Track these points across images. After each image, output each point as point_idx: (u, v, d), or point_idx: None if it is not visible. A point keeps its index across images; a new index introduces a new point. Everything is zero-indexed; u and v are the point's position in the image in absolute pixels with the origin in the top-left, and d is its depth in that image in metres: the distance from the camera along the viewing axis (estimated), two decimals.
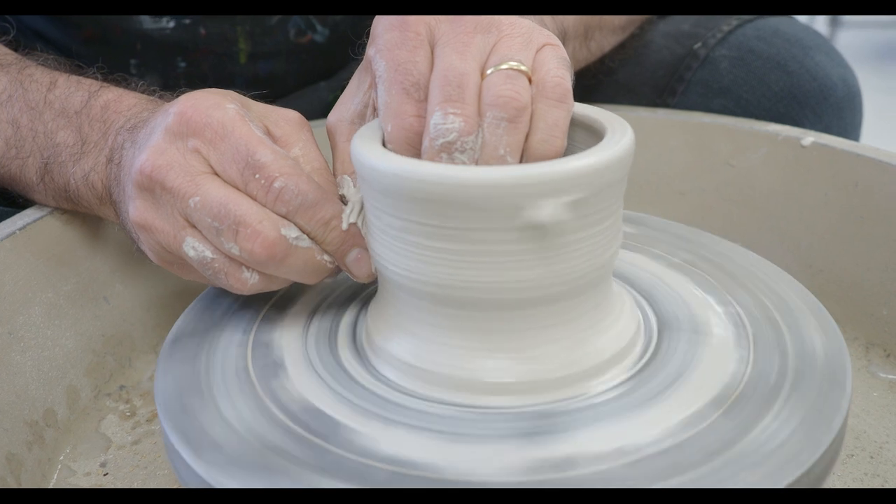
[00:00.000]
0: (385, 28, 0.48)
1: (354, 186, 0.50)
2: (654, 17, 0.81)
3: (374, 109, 0.51)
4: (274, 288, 0.50)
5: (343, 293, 0.56)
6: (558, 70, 0.46)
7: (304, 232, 0.48)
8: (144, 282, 0.67)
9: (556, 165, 0.43)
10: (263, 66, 0.82)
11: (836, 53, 0.77)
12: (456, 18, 0.47)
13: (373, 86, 0.51)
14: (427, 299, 0.46)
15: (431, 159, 0.44)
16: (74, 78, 0.63)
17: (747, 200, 0.71)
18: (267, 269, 0.48)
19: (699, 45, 0.76)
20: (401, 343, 0.48)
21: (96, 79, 0.63)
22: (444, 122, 0.44)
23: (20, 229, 0.60)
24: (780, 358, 0.47)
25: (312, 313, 0.54)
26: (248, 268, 0.48)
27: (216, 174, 0.48)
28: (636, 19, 0.79)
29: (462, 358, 0.47)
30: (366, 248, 0.49)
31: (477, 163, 0.45)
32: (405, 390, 0.47)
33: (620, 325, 0.49)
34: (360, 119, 0.52)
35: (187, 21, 0.77)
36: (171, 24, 0.77)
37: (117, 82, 0.63)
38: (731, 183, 0.72)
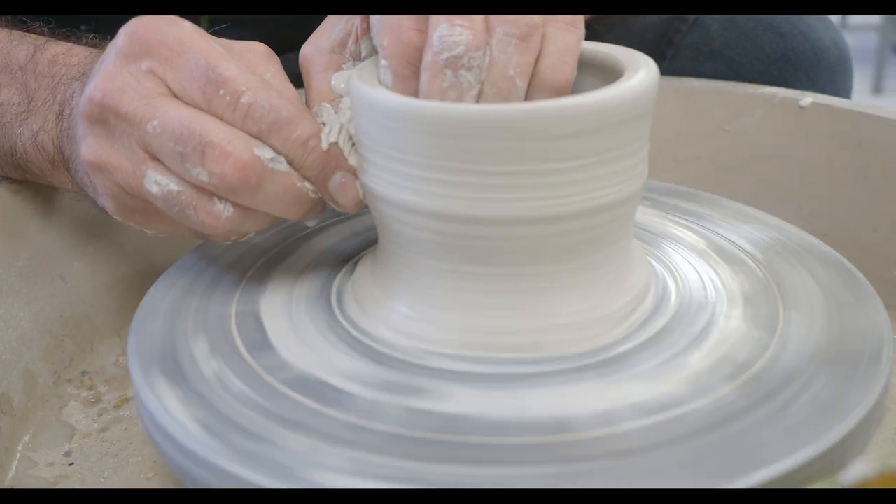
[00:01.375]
0: None
1: (335, 112, 0.46)
2: None
3: (357, 37, 0.47)
4: (251, 228, 0.45)
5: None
6: None
7: (279, 153, 0.43)
8: (106, 260, 0.61)
9: (585, 98, 0.39)
10: (228, 35, 0.76)
11: (825, 17, 0.75)
12: None
13: None
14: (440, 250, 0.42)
15: (434, 76, 0.40)
16: (17, 32, 0.57)
17: (745, 166, 0.68)
18: (242, 198, 0.43)
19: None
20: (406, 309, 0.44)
21: (42, 33, 0.57)
22: (450, 33, 0.40)
23: None
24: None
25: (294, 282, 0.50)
26: (219, 198, 0.43)
27: (175, 96, 0.43)
28: None
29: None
30: (351, 171, 0.44)
31: (482, 83, 0.41)
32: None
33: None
34: (341, 48, 0.48)
35: None
36: None
37: (66, 37, 0.57)
38: (728, 148, 0.69)
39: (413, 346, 0.43)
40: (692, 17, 0.72)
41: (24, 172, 0.55)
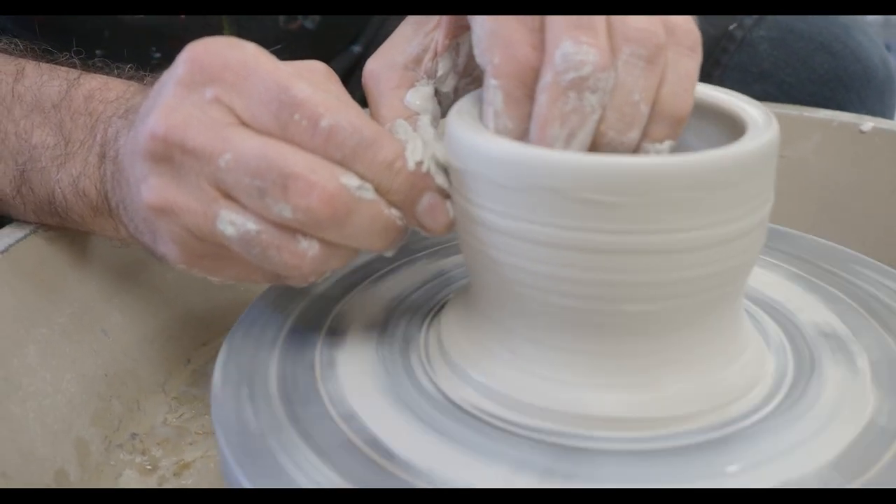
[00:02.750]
0: None
1: (414, 130, 0.42)
2: None
3: (436, 54, 0.45)
4: (335, 265, 0.41)
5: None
6: (687, 18, 0.40)
7: (365, 179, 0.39)
8: (146, 308, 0.57)
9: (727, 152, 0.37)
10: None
11: (870, 32, 0.73)
12: None
13: (438, 26, 0.45)
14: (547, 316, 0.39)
15: (555, 99, 0.37)
16: (46, 65, 0.53)
17: (803, 193, 0.67)
18: (328, 233, 0.39)
19: (734, 25, 0.71)
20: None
21: (73, 65, 0.53)
22: (576, 51, 0.36)
23: (1, 252, 0.49)
24: None
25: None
26: (304, 235, 0.39)
27: (246, 124, 0.39)
28: None
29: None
30: (438, 192, 0.40)
31: (605, 108, 0.38)
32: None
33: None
34: (416, 64, 0.45)
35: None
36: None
37: (97, 68, 0.53)
38: (785, 175, 0.66)
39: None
40: (739, 36, 0.70)
41: (62, 220, 0.51)
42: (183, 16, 0.67)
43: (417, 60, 0.46)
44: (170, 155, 0.39)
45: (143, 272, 0.57)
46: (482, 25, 0.39)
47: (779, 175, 0.69)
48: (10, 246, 0.50)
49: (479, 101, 0.42)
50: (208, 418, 0.54)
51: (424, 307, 0.49)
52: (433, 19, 0.46)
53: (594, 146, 0.39)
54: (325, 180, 0.37)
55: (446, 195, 0.41)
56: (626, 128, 0.38)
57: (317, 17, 0.73)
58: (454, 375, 0.43)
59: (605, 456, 0.37)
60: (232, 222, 0.39)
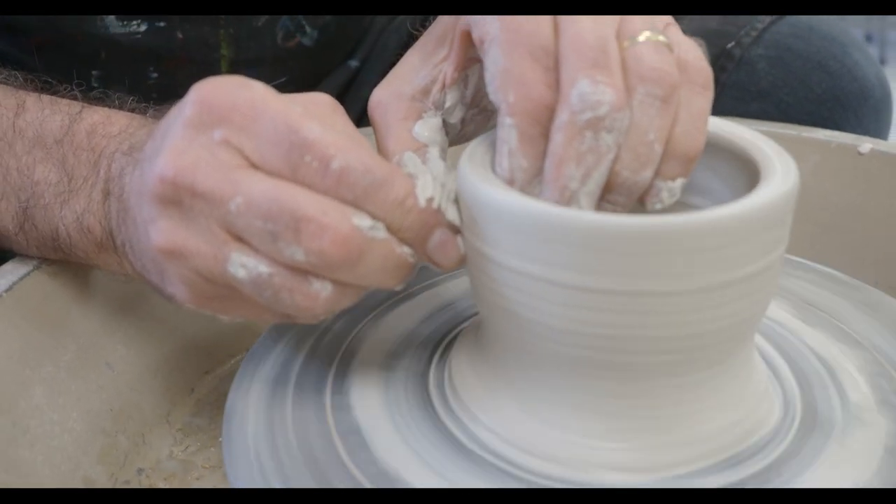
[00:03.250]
0: None
1: (424, 163, 0.43)
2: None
3: (444, 86, 0.45)
4: (346, 304, 0.41)
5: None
6: (698, 51, 0.41)
7: (377, 219, 0.39)
8: (148, 340, 0.57)
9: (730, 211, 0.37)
10: (246, 75, 0.71)
11: (867, 49, 0.73)
12: None
13: (447, 59, 0.45)
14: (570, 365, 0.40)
15: (571, 138, 0.37)
16: (47, 98, 0.52)
17: (802, 214, 0.65)
18: (341, 274, 0.39)
19: (732, 44, 0.71)
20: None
21: (74, 97, 0.52)
22: (593, 91, 0.37)
23: (6, 290, 0.49)
24: None
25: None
26: (316, 277, 0.39)
27: (255, 166, 0.38)
28: None
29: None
30: (449, 227, 0.40)
31: (620, 147, 0.38)
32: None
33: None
34: (423, 96, 0.45)
35: (162, 24, 0.66)
36: (143, 28, 0.66)
37: (97, 100, 0.52)
38: None
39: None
40: (737, 55, 0.70)
41: (66, 255, 0.50)
42: (180, 35, 0.67)
43: (425, 92, 0.46)
44: (179, 198, 0.39)
45: (145, 303, 0.56)
46: (495, 63, 0.39)
47: None
48: (14, 284, 0.49)
49: (491, 146, 0.42)
50: (213, 450, 0.55)
51: (433, 341, 0.49)
52: (442, 51, 0.46)
53: (608, 185, 0.39)
54: (338, 222, 0.37)
55: (457, 230, 0.41)
56: (640, 167, 0.39)
57: (314, 34, 0.72)
58: (465, 419, 0.43)
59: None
60: (243, 265, 0.38)
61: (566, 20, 0.39)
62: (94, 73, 0.67)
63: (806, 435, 0.42)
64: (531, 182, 0.40)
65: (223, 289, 0.41)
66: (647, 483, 0.39)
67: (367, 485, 0.39)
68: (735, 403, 0.41)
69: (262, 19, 0.69)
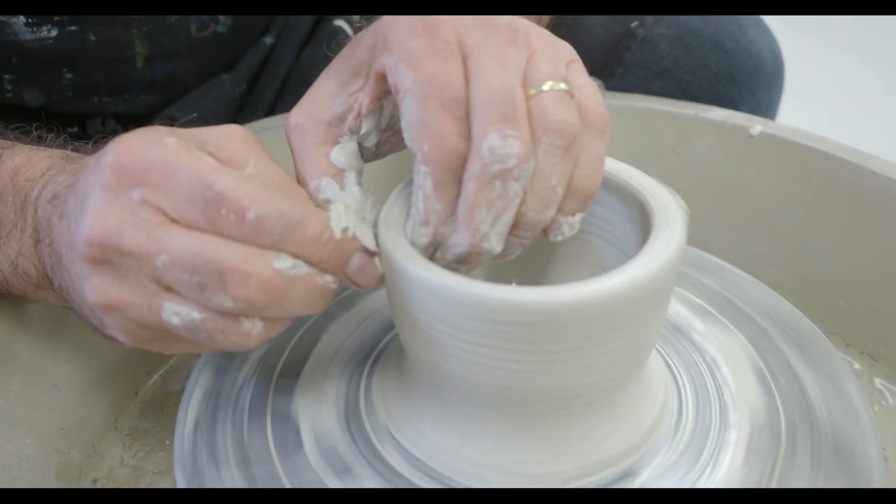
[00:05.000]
0: (406, 33, 0.42)
1: (341, 189, 0.45)
2: None
3: (358, 114, 0.47)
4: (278, 331, 0.44)
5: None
6: (597, 95, 0.44)
7: (297, 257, 0.41)
8: (90, 353, 0.60)
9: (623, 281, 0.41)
10: (161, 68, 0.72)
11: (763, 24, 0.77)
12: (487, 24, 0.43)
13: (362, 89, 0.47)
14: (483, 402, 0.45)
15: (482, 187, 0.41)
16: None
17: (696, 189, 0.72)
18: (269, 313, 0.42)
19: (636, 23, 0.73)
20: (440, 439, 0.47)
21: None
22: (503, 145, 0.40)
23: None
24: None
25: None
26: (246, 317, 0.42)
27: (176, 221, 0.41)
28: None
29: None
30: (364, 250, 0.43)
31: (525, 192, 0.42)
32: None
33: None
34: (339, 122, 0.47)
35: (73, 28, 0.66)
36: (54, 33, 0.66)
37: (17, 138, 0.53)
38: (679, 171, 0.72)
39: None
40: (641, 34, 0.73)
41: (1, 294, 0.52)
42: (93, 37, 0.67)
43: (341, 118, 0.47)
44: (108, 258, 0.41)
45: (79, 319, 0.59)
46: (410, 113, 0.42)
47: (675, 171, 0.75)
48: None
49: (405, 202, 0.46)
50: (162, 454, 0.59)
51: (360, 356, 0.54)
52: (358, 81, 0.47)
53: (515, 224, 0.43)
54: (260, 269, 0.40)
55: (373, 253, 0.44)
56: (544, 208, 0.43)
57: (228, 21, 0.73)
58: (390, 445, 0.48)
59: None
60: (176, 313, 0.41)
61: (477, 69, 0.41)
62: (6, 76, 0.67)
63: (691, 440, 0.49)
64: (444, 222, 0.44)
65: (160, 332, 0.44)
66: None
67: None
68: (629, 423, 0.47)
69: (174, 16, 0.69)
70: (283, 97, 0.79)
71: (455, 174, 0.42)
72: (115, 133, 0.75)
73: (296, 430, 0.49)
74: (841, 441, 0.48)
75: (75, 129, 0.73)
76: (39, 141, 0.54)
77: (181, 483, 0.47)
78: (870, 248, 0.64)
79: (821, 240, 0.67)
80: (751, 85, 0.74)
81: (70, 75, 0.68)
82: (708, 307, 0.58)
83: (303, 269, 0.42)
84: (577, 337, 0.41)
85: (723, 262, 0.63)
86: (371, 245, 0.44)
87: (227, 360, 0.54)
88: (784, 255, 0.69)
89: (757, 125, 0.69)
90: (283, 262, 0.41)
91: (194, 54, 0.72)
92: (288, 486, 0.46)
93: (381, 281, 0.45)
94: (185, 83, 0.74)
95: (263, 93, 0.78)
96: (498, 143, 0.40)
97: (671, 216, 0.45)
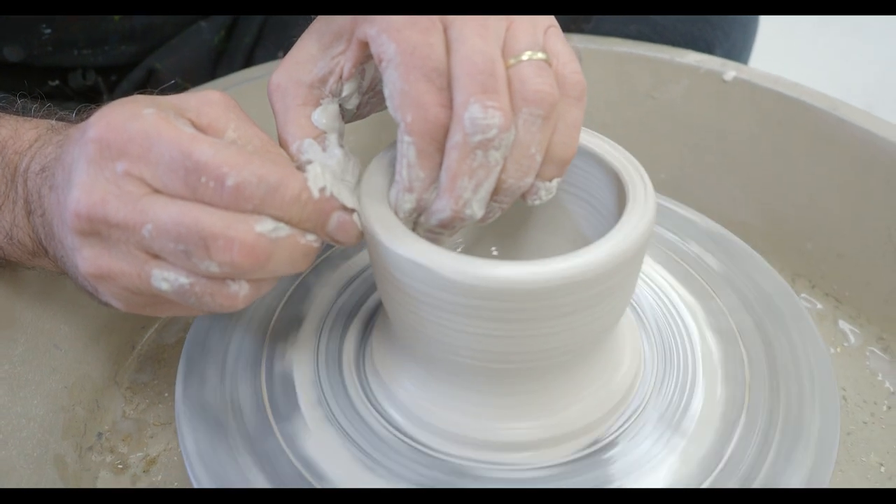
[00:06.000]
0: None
1: (323, 150, 0.47)
2: None
3: (340, 77, 0.48)
4: (265, 291, 0.45)
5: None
6: (574, 63, 0.46)
7: (278, 220, 0.43)
8: (86, 312, 0.62)
9: (594, 257, 0.43)
10: (139, 18, 0.72)
11: None
12: None
13: (344, 53, 0.48)
14: (460, 367, 0.47)
15: (464, 157, 0.43)
16: None
17: (671, 133, 0.74)
18: (254, 275, 0.43)
19: None
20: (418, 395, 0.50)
21: None
22: (484, 116, 0.42)
23: None
24: None
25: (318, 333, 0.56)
26: (233, 280, 0.43)
27: (159, 191, 0.42)
28: None
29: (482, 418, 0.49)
30: (343, 208, 0.45)
31: (506, 160, 0.44)
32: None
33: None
34: (321, 84, 0.48)
35: None
36: None
37: (4, 109, 0.54)
38: (655, 115, 0.74)
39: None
40: None
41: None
42: None
43: (323, 81, 0.48)
44: (97, 229, 0.43)
45: (75, 287, 0.61)
46: (393, 83, 0.43)
47: (650, 116, 0.76)
48: None
49: (387, 169, 0.47)
50: (161, 407, 0.62)
51: (352, 314, 0.57)
52: (339, 45, 0.48)
53: (495, 190, 0.45)
54: (243, 234, 0.41)
55: (352, 210, 0.46)
56: (523, 175, 0.45)
57: None
58: (384, 397, 0.51)
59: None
60: (165, 279, 0.43)
61: (458, 40, 0.43)
62: None
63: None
64: (427, 189, 0.46)
65: (152, 297, 0.46)
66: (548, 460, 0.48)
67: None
68: (603, 386, 0.50)
69: None
70: (261, 43, 0.79)
71: (437, 143, 0.43)
72: (95, 85, 0.75)
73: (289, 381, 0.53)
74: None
75: (57, 82, 0.73)
76: (24, 112, 0.54)
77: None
78: (838, 193, 0.66)
79: (790, 184, 0.69)
80: (725, 27, 0.75)
81: (49, 30, 0.68)
82: None
83: (284, 230, 0.43)
84: (553, 303, 0.43)
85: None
86: (349, 203, 0.45)
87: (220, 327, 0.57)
88: (755, 199, 0.72)
89: (731, 70, 0.70)
90: (265, 226, 0.42)
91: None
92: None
93: (362, 237, 0.46)
94: (162, 32, 0.74)
95: (241, 39, 0.78)
96: (479, 114, 0.42)
97: (646, 192, 0.47)
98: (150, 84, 0.76)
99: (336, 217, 0.45)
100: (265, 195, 0.42)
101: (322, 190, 0.44)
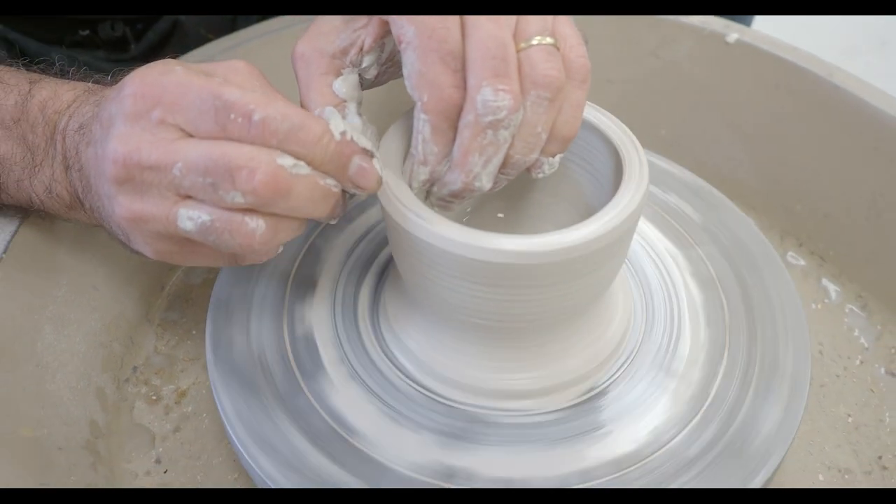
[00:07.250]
0: None
1: (343, 118, 0.50)
2: None
3: (360, 50, 0.52)
4: (283, 238, 0.48)
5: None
6: (580, 47, 0.50)
7: (298, 158, 0.46)
8: (121, 254, 0.66)
9: (590, 232, 0.47)
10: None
11: None
12: None
13: (366, 27, 0.51)
14: (466, 325, 0.52)
15: (476, 135, 0.47)
16: None
17: (673, 92, 0.77)
18: (275, 208, 0.46)
19: None
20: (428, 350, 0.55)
21: (19, 70, 0.57)
22: (495, 99, 0.46)
23: (3, 252, 0.58)
24: None
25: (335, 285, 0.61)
26: (251, 217, 0.46)
27: (191, 135, 0.46)
28: None
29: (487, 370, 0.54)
30: (364, 153, 0.48)
31: (514, 137, 0.48)
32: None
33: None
34: (343, 55, 0.52)
35: None
36: None
37: (44, 71, 0.58)
38: (658, 74, 0.77)
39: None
40: None
41: (39, 211, 0.58)
42: None
43: (344, 52, 0.52)
44: (131, 175, 0.47)
45: (109, 237, 0.65)
46: (411, 64, 0.47)
47: (654, 73, 0.80)
48: (8, 244, 0.58)
49: (401, 140, 0.52)
50: (190, 343, 0.67)
51: (366, 267, 0.62)
52: (362, 18, 0.52)
53: (503, 165, 0.50)
54: (265, 164, 0.45)
55: (372, 154, 0.49)
56: (529, 151, 0.49)
57: None
58: (396, 347, 0.56)
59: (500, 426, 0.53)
60: (189, 218, 0.47)
61: (471, 24, 0.46)
62: None
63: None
64: (440, 162, 0.50)
65: (179, 243, 0.50)
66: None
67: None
68: (600, 336, 0.55)
69: None
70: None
71: (451, 121, 0.47)
72: (123, 35, 0.79)
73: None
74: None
75: (87, 32, 0.76)
76: (62, 75, 0.58)
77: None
78: (828, 157, 0.70)
79: (785, 147, 0.73)
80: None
81: None
82: None
83: (304, 168, 0.46)
84: (553, 273, 0.48)
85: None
86: (369, 146, 0.48)
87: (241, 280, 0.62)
88: (752, 159, 0.75)
89: (733, 33, 0.73)
90: (286, 160, 0.45)
91: None
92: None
93: (381, 183, 0.49)
94: None
95: None
96: (491, 97, 0.46)
97: (641, 169, 0.51)
98: (175, 35, 0.79)
99: (356, 161, 0.48)
100: (288, 132, 0.45)
101: (343, 134, 0.47)
